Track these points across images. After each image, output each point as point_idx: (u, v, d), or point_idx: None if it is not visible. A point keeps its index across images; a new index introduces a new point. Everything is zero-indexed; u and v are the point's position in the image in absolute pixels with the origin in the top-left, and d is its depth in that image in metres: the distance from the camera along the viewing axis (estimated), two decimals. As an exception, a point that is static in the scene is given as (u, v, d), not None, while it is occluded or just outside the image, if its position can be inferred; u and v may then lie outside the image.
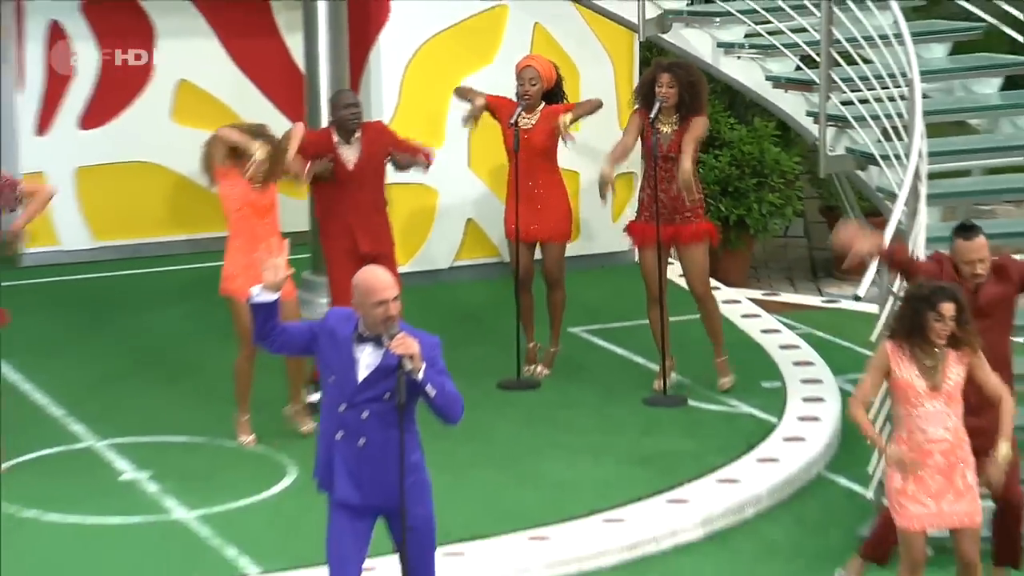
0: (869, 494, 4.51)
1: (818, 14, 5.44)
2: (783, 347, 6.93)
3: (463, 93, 6.76)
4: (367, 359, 2.95)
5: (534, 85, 6.31)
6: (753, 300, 7.85)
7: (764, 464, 5.24)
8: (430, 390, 2.89)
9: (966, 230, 3.97)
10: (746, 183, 8.16)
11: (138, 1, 8.26)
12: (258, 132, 5.47)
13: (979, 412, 3.74)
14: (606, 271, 7.74)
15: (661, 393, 5.99)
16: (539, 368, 6.62)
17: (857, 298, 4.87)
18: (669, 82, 5.96)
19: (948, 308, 3.37)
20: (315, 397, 5.03)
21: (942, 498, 3.49)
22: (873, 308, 4.95)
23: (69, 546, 4.78)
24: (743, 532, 4.83)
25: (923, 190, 4.51)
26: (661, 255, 6.15)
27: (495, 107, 6.49)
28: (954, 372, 3.49)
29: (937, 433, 3.49)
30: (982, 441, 3.59)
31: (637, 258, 6.73)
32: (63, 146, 8.17)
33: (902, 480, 3.57)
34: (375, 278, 3.06)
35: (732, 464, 5.24)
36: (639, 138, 6.41)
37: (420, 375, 2.87)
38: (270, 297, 3.04)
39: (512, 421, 6.00)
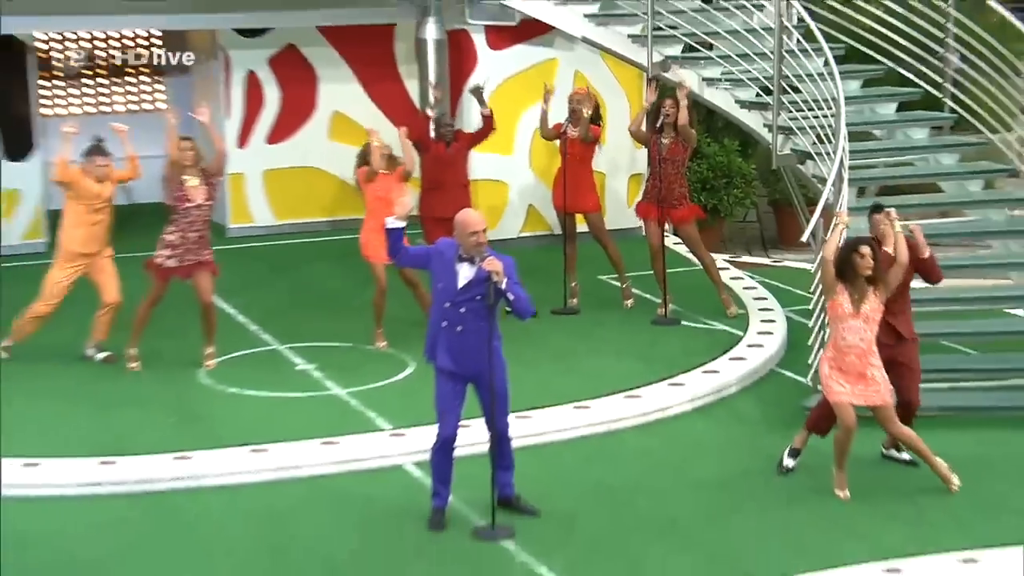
0: (807, 380, 4.72)
1: (772, 57, 5.48)
2: (746, 288, 7.01)
3: (546, 99, 6.51)
4: (465, 272, 3.23)
5: (579, 106, 6.30)
6: (726, 261, 7.86)
7: (735, 362, 5.47)
8: (510, 295, 3.19)
9: (876, 209, 4.12)
10: (718, 183, 8.52)
11: (306, 57, 8.31)
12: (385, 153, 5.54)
13: (892, 346, 3.97)
14: (622, 241, 7.09)
15: (663, 316, 6.16)
16: (575, 301, 6.55)
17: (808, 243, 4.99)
18: (671, 104, 6.06)
19: (865, 249, 3.63)
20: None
21: (855, 385, 3.71)
22: (803, 265, 5.63)
23: (261, 411, 5.06)
24: (721, 406, 5.12)
25: (845, 176, 4.68)
26: (661, 224, 6.25)
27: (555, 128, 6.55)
28: (871, 302, 3.71)
29: (854, 341, 3.72)
30: (894, 360, 3.86)
31: (644, 231, 6.68)
32: (256, 155, 8.29)
33: (828, 370, 3.82)
34: (470, 217, 3.40)
35: (712, 362, 5.47)
36: (647, 145, 6.67)
37: (503, 284, 3.13)
38: (400, 224, 3.28)
39: (561, 333, 6.23)
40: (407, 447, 4.33)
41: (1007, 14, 6.52)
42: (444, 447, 3.47)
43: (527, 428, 4.68)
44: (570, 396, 5.20)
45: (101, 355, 5.43)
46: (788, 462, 4.17)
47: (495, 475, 3.57)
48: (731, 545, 3.47)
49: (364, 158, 5.66)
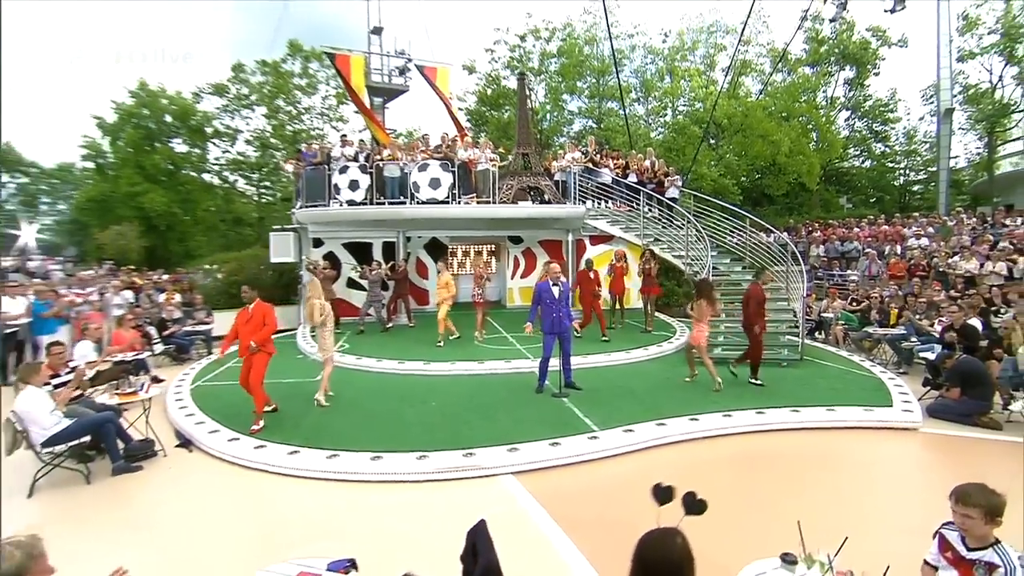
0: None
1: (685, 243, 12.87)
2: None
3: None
4: (555, 291, 7.82)
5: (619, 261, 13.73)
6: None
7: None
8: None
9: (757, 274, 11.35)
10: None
11: (531, 249, 16.28)
12: None
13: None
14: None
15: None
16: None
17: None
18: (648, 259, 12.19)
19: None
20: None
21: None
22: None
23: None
24: (654, 361, 11.57)
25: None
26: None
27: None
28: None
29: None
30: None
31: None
32: (514, 283, 16.81)
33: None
34: (555, 267, 8.22)
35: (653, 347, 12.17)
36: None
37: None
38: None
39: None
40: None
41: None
42: (546, 360, 7.67)
43: (583, 363, 12.10)
44: (608, 351, 12.07)
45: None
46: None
47: (565, 371, 7.81)
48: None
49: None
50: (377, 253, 14.75)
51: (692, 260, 11.82)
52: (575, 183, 13.84)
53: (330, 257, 14.66)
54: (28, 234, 35.77)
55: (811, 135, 23.02)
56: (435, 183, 13.04)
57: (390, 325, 12.98)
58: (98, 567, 2.72)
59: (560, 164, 14.39)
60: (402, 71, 19.79)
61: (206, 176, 29.47)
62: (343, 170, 13.12)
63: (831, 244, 16.92)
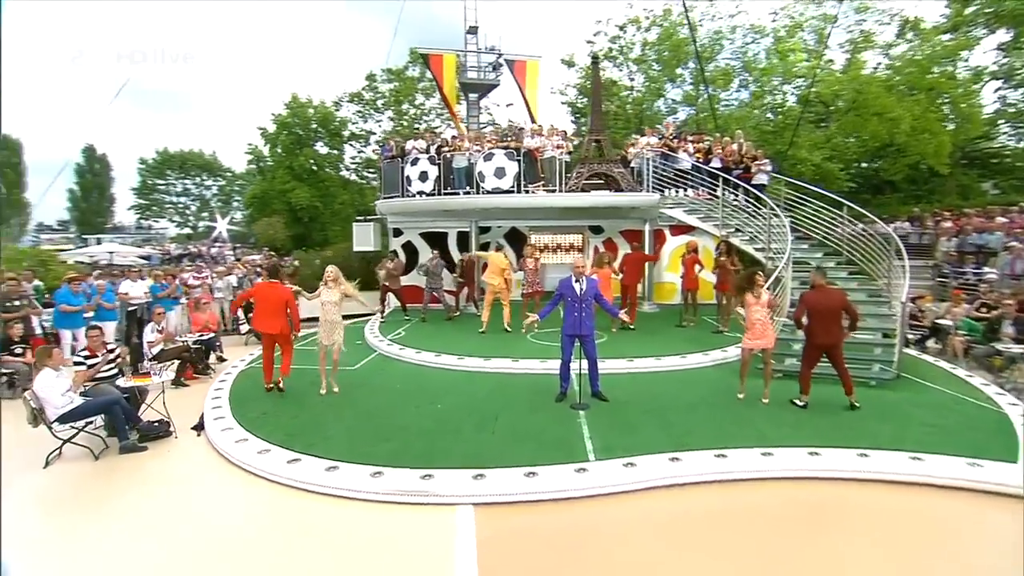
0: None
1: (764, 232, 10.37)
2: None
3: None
4: (577, 288, 6.12)
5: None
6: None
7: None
8: (599, 295, 6.26)
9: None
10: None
11: (612, 239, 14.19)
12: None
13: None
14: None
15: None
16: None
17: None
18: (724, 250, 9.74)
19: (760, 275, 6.14)
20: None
21: (757, 339, 6.23)
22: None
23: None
24: (714, 369, 8.18)
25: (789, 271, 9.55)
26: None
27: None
28: (764, 296, 6.16)
29: (759, 315, 6.19)
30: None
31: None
32: None
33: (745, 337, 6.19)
34: (577, 262, 6.29)
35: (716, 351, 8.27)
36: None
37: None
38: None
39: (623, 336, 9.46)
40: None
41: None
42: (566, 365, 6.26)
43: (610, 368, 9.31)
44: (629, 355, 10.17)
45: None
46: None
47: (592, 380, 6.36)
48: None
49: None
50: (452, 243, 13.92)
51: (776, 254, 9.36)
52: (648, 169, 11.77)
53: (408, 246, 14.08)
54: (222, 225, 40.84)
55: (941, 110, 18.03)
56: (500, 172, 11.82)
57: (457, 314, 12.08)
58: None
59: (635, 150, 12.36)
60: (495, 67, 18.63)
61: (343, 173, 30.52)
62: (414, 162, 12.39)
63: (965, 236, 13.00)
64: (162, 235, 43.63)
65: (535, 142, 11.88)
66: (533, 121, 16.82)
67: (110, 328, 9.86)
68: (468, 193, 11.99)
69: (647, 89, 22.22)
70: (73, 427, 5.75)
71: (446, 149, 12.38)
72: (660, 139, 12.29)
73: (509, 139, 12.19)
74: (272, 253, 22.67)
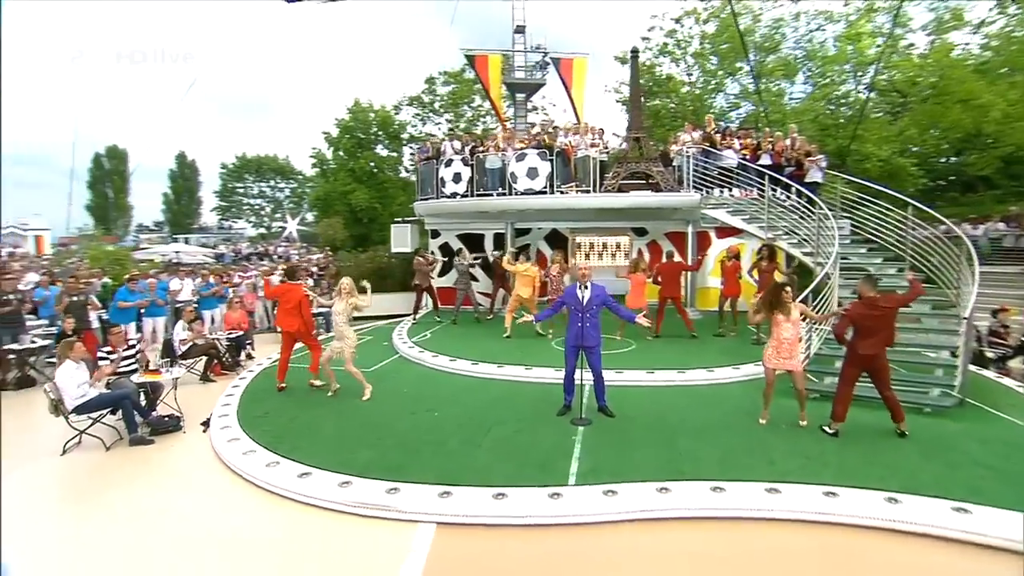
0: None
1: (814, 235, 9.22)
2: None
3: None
4: (584, 294, 5.62)
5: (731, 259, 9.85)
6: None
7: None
8: (609, 303, 5.60)
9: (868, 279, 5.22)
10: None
11: (658, 241, 13.94)
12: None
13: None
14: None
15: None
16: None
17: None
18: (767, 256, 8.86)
19: (788, 291, 5.35)
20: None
21: (785, 359, 5.43)
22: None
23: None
24: (742, 385, 7.06)
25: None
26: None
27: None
28: (795, 313, 5.42)
29: (788, 333, 5.48)
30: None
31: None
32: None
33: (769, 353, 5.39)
34: (582, 265, 5.79)
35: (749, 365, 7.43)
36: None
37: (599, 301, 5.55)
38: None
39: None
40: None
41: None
42: (569, 376, 5.88)
43: (616, 379, 7.94)
44: (633, 366, 8.60)
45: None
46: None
47: (597, 394, 5.93)
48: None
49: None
50: (489, 244, 13.72)
51: (827, 259, 8.41)
52: (688, 167, 10.99)
53: (445, 248, 14.04)
54: (291, 226, 43.12)
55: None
56: (532, 173, 11.47)
57: (490, 317, 11.95)
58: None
59: (676, 147, 11.61)
60: (543, 65, 18.21)
61: (403, 175, 31.06)
62: (448, 163, 12.26)
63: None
64: (240, 235, 46.49)
65: (569, 140, 11.39)
66: (578, 121, 16.27)
67: (160, 323, 10.41)
68: (501, 194, 11.64)
69: (706, 84, 20.96)
70: (90, 418, 6.08)
71: (480, 150, 12.10)
72: (703, 135, 11.41)
73: (542, 138, 11.72)
74: (331, 253, 23.28)
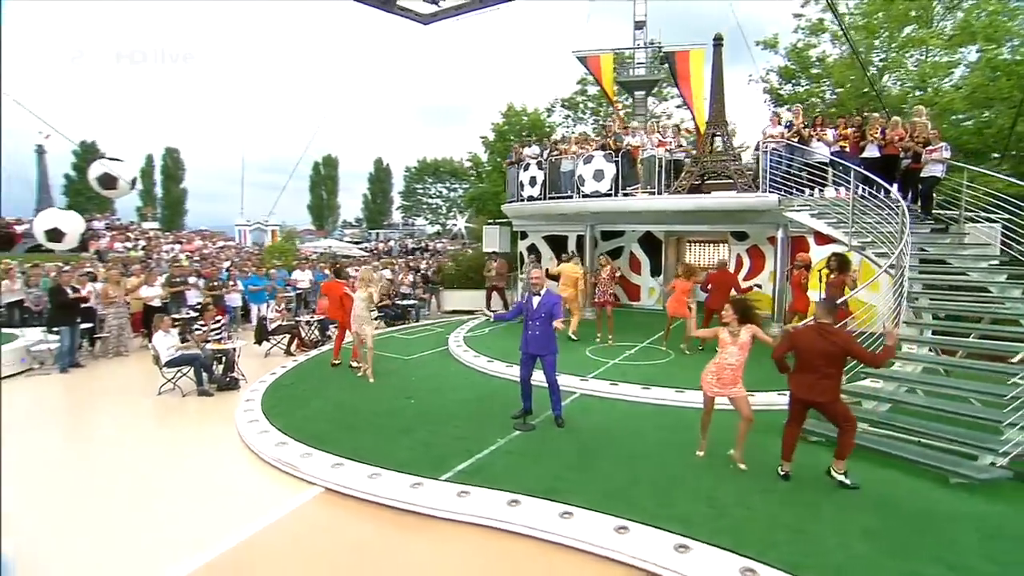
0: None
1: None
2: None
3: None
4: (534, 302, 5.62)
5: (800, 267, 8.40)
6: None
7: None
8: (556, 313, 5.51)
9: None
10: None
11: (758, 246, 12.62)
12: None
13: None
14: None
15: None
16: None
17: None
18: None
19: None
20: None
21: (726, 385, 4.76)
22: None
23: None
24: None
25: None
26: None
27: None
28: (743, 335, 4.69)
29: (733, 359, 4.76)
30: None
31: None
32: None
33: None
34: (537, 273, 5.70)
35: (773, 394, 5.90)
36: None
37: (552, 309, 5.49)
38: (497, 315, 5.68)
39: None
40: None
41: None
42: (524, 382, 5.80)
43: (570, 384, 7.06)
44: (590, 370, 6.98)
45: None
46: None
47: (552, 403, 5.89)
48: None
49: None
50: (572, 246, 13.84)
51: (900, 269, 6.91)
52: (768, 164, 9.73)
53: (533, 249, 14.50)
54: (460, 223, 46.90)
55: None
56: (599, 175, 11.27)
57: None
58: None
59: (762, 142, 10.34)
60: (662, 60, 17.31)
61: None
62: (525, 167, 12.63)
63: None
64: (422, 231, 52.02)
65: (634, 140, 10.90)
66: (693, 118, 15.15)
67: (263, 308, 12.67)
68: (566, 198, 11.68)
69: (877, 64, 17.55)
70: (180, 371, 7.93)
71: (555, 154, 12.26)
72: (789, 127, 9.92)
73: (609, 139, 11.40)
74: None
